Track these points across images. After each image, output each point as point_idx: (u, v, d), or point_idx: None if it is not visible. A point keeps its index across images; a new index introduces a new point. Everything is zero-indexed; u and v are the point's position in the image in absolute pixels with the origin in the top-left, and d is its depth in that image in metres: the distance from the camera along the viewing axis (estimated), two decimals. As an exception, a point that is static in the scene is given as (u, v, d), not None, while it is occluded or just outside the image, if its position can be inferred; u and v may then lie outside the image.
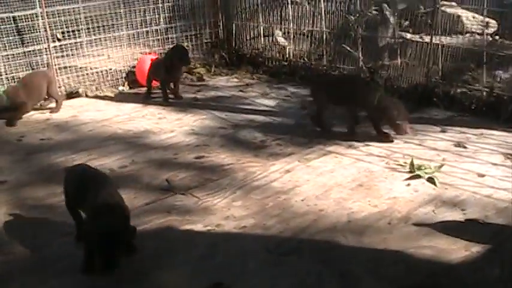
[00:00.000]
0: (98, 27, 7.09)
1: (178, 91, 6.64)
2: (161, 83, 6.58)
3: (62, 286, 3.40)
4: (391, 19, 6.67)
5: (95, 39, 7.09)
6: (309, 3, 7.30)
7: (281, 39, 7.60)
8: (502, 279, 3.33)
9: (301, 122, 5.81)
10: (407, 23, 6.72)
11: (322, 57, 7.20)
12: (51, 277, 3.46)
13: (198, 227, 3.95)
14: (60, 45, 6.85)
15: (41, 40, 6.69)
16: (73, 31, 6.94)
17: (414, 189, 4.36)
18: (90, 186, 3.55)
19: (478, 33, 6.84)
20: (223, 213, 4.11)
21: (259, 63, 7.67)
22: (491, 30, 6.96)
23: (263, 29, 7.76)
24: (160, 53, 7.31)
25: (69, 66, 6.92)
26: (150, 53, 7.28)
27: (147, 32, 7.47)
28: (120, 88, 7.05)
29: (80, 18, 6.93)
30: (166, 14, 7.61)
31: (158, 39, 7.55)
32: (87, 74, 6.98)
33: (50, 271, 3.52)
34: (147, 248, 3.66)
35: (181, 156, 5.09)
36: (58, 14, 6.78)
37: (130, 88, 7.10)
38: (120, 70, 7.23)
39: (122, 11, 7.22)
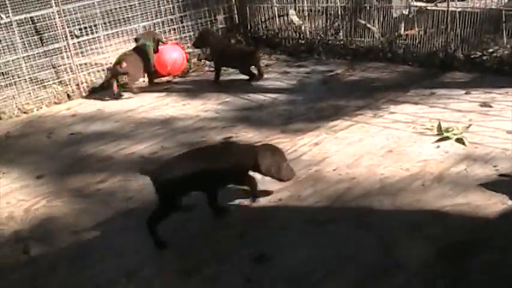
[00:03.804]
0: (114, 21, 7.15)
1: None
2: None
3: (105, 271, 3.50)
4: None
5: (112, 33, 7.16)
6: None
7: (295, 19, 7.60)
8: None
9: (324, 96, 5.84)
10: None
11: (338, 33, 7.21)
12: (98, 262, 3.56)
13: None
14: (79, 42, 6.93)
15: (60, 38, 6.76)
16: (90, 27, 7.01)
17: (444, 151, 4.38)
18: None
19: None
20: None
21: (277, 44, 7.70)
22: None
23: (277, 10, 7.78)
24: (177, 42, 7.37)
25: (90, 62, 6.99)
26: (167, 43, 7.31)
27: (163, 22, 7.53)
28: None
29: (96, 13, 7.00)
30: (180, 3, 7.66)
31: (174, 29, 7.61)
32: (108, 68, 7.02)
33: (94, 257, 3.62)
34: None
35: (209, 138, 5.14)
36: (74, 11, 6.86)
37: (150, 78, 7.16)
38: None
39: (136, 2, 7.29)
